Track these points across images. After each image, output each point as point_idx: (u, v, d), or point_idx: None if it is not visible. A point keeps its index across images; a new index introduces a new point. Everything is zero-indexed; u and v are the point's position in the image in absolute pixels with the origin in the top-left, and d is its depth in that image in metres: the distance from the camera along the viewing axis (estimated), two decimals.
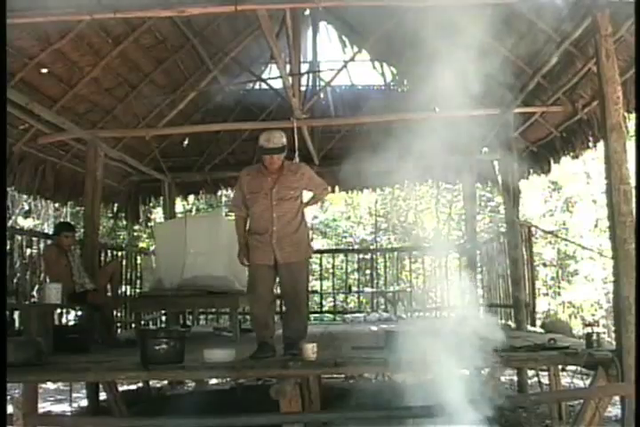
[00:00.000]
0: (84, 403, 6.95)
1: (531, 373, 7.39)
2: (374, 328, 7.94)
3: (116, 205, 10.63)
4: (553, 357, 4.67)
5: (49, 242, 7.26)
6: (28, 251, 7.49)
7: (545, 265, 13.37)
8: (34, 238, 7.61)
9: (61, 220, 12.72)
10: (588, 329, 5.10)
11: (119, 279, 7.89)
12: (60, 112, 7.17)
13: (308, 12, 8.70)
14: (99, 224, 8.22)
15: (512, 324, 7.65)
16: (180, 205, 14.42)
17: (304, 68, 8.65)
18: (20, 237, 7.31)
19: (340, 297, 13.69)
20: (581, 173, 13.22)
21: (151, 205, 12.09)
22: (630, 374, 4.21)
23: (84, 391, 6.93)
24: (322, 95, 9.54)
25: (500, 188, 8.98)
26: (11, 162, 7.38)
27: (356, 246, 16.72)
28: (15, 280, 7.21)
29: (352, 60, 9.02)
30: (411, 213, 17.68)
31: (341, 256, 13.05)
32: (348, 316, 10.08)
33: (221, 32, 8.45)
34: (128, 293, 9.43)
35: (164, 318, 9.80)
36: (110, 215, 11.28)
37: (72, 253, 6.85)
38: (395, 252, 12.09)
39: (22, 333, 5.92)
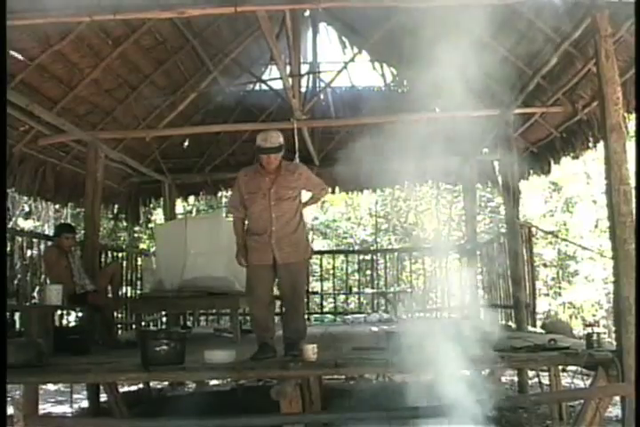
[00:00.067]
0: (85, 404, 6.96)
1: (531, 373, 7.38)
2: (375, 329, 7.93)
3: (116, 206, 10.62)
4: (553, 357, 4.67)
5: (49, 243, 7.25)
6: (29, 252, 7.49)
7: (545, 265, 13.37)
8: (34, 240, 7.60)
9: (62, 221, 12.71)
10: (589, 330, 5.10)
11: (119, 281, 7.87)
12: (61, 114, 7.18)
13: (307, 13, 8.71)
14: (99, 225, 8.22)
15: (512, 324, 7.64)
16: (180, 207, 14.42)
17: (304, 69, 8.65)
18: (20, 239, 7.30)
19: (341, 298, 13.67)
20: (581, 174, 13.22)
21: (151, 206, 12.09)
22: (630, 374, 4.22)
23: (85, 393, 6.93)
24: (322, 96, 9.56)
25: (500, 188, 8.98)
26: (11, 163, 7.39)
27: (356, 247, 16.72)
28: (16, 282, 7.21)
29: (352, 60, 9.03)
30: (411, 213, 17.68)
31: (342, 257, 13.04)
32: (349, 317, 10.07)
33: (221, 33, 8.46)
34: (128, 294, 9.43)
35: (164, 319, 9.80)
36: (111, 217, 11.28)
37: (72, 254, 6.86)
38: (395, 252, 12.09)
39: (23, 334, 5.92)
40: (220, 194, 11.67)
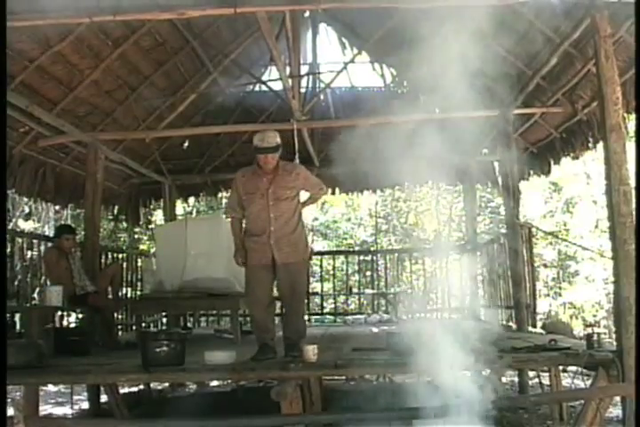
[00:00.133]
0: (85, 405, 6.95)
1: (532, 374, 7.38)
2: (375, 330, 7.94)
3: (116, 207, 10.62)
4: (553, 358, 4.67)
5: (49, 245, 7.25)
6: (29, 253, 7.49)
7: (545, 266, 13.37)
8: (34, 241, 7.60)
9: (62, 222, 12.70)
10: (589, 330, 5.10)
11: (120, 282, 7.89)
12: (61, 115, 7.18)
13: (307, 14, 8.71)
14: (99, 227, 8.22)
15: (513, 325, 7.64)
16: (180, 208, 14.43)
17: (304, 69, 8.64)
18: (20, 240, 7.30)
19: (341, 299, 13.67)
20: (581, 174, 13.22)
21: (151, 207, 12.08)
22: (631, 374, 4.22)
23: (85, 394, 6.93)
24: (322, 97, 9.55)
25: (500, 189, 8.98)
26: (11, 165, 7.39)
27: (356, 248, 16.71)
28: (16, 283, 7.21)
29: (352, 61, 9.05)
30: (411, 214, 17.68)
31: (342, 258, 13.02)
32: (349, 317, 10.07)
33: (221, 34, 8.46)
34: (129, 295, 9.42)
35: (164, 320, 9.80)
36: (111, 218, 11.28)
37: (73, 255, 6.86)
38: (395, 253, 12.09)
39: (23, 335, 5.93)
40: (220, 195, 11.67)
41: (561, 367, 5.94)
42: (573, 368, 6.49)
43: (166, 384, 8.29)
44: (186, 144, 10.50)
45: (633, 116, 6.20)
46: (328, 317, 11.37)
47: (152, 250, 11.68)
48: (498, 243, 8.95)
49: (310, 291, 11.27)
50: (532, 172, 9.34)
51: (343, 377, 7.65)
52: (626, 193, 4.50)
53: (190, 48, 8.18)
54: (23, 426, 4.27)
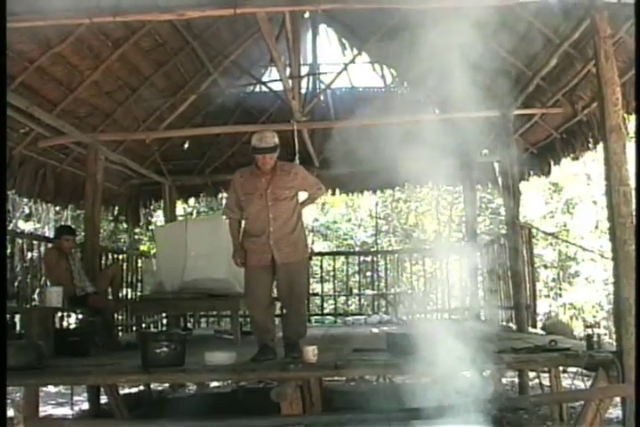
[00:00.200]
0: (85, 406, 6.95)
1: (532, 374, 7.38)
2: (375, 330, 7.94)
3: (116, 208, 10.62)
4: (553, 358, 4.67)
5: (49, 245, 7.26)
6: (29, 254, 7.49)
7: (546, 267, 13.35)
8: (34, 242, 7.61)
9: (62, 223, 12.68)
10: (589, 331, 5.09)
11: (120, 282, 7.89)
12: (61, 116, 7.19)
13: (307, 15, 8.72)
14: (99, 227, 8.23)
15: (513, 325, 7.64)
16: (180, 208, 14.42)
17: (304, 70, 8.65)
18: (20, 241, 7.31)
19: (341, 299, 13.67)
20: (582, 175, 13.22)
21: (152, 208, 12.09)
22: (631, 375, 4.21)
23: (85, 395, 6.93)
24: (322, 98, 9.55)
25: (500, 189, 8.98)
26: (11, 165, 7.40)
27: (356, 249, 16.71)
28: (16, 284, 7.22)
29: (352, 62, 9.05)
30: (411, 215, 17.68)
31: (342, 258, 13.02)
32: (349, 318, 10.07)
33: (221, 35, 8.47)
34: (129, 296, 9.43)
35: (164, 320, 9.80)
36: (111, 218, 11.28)
37: (73, 256, 6.87)
38: (395, 254, 12.08)
39: (23, 336, 5.92)
40: (220, 196, 11.65)
41: (561, 368, 5.93)
42: (573, 369, 6.50)
43: (166, 385, 8.29)
44: (186, 145, 10.50)
45: (633, 117, 6.21)
46: (328, 317, 11.38)
47: (152, 251, 11.68)
48: (498, 243, 8.95)
49: (310, 292, 11.27)
50: (532, 172, 9.34)
51: (343, 378, 7.65)
52: (626, 194, 4.50)
53: (190, 49, 8.18)
54: None
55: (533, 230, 8.47)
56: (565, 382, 6.32)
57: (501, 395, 6.50)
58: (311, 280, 12.33)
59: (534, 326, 7.40)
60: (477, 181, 10.18)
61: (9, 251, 6.73)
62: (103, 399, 6.42)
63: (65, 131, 7.16)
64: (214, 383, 8.33)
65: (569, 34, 5.82)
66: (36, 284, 7.47)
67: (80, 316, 8.06)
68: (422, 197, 16.86)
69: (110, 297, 7.17)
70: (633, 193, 4.52)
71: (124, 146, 8.86)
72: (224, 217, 5.28)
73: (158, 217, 13.76)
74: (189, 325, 9.55)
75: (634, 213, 4.46)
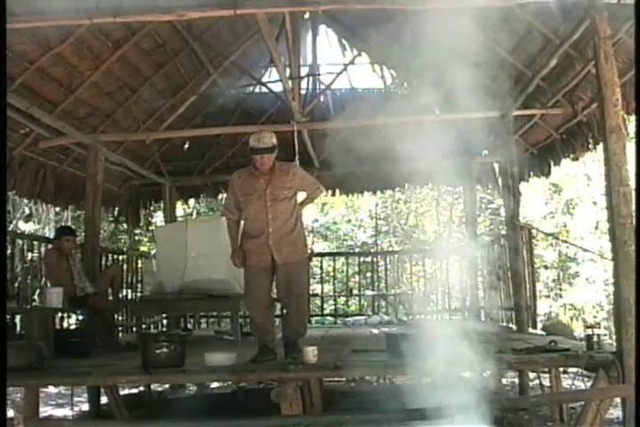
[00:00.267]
0: (86, 407, 6.95)
1: (532, 375, 7.38)
2: (375, 331, 7.94)
3: (116, 208, 10.63)
4: (554, 359, 4.67)
5: (50, 246, 7.26)
6: (29, 255, 7.50)
7: (546, 267, 13.37)
8: (35, 242, 7.61)
9: (62, 224, 12.69)
10: (589, 331, 5.09)
11: (120, 283, 7.89)
12: (61, 116, 7.19)
13: (307, 16, 8.71)
14: (99, 228, 8.23)
15: (513, 326, 7.64)
16: (180, 209, 14.43)
17: (304, 71, 8.66)
18: (20, 242, 7.31)
19: (341, 300, 13.67)
20: (582, 176, 13.22)
21: (152, 208, 12.11)
22: (631, 375, 4.21)
23: (86, 395, 6.93)
24: (322, 98, 9.56)
25: (500, 190, 8.98)
26: (11, 166, 7.40)
27: (356, 249, 16.70)
28: (16, 284, 7.22)
29: (352, 63, 9.05)
30: (411, 215, 17.68)
31: (342, 259, 13.03)
32: (349, 319, 10.07)
33: (221, 36, 8.47)
34: (129, 296, 9.43)
35: (165, 321, 9.80)
36: (111, 219, 11.29)
37: (73, 257, 6.86)
38: (395, 255, 12.08)
39: (23, 337, 5.93)
40: (220, 196, 11.65)
41: (561, 369, 5.93)
42: (574, 369, 6.49)
43: (166, 386, 8.29)
44: (186, 146, 10.50)
45: (633, 118, 6.21)
46: (328, 318, 11.36)
47: (152, 251, 11.68)
48: (498, 244, 8.96)
49: (311, 292, 11.26)
50: (532, 173, 9.34)
51: (343, 378, 7.65)
52: (626, 194, 4.50)
53: (190, 50, 8.18)
54: None
55: (533, 231, 8.47)
56: (565, 382, 6.32)
57: (502, 395, 6.51)
58: (311, 281, 12.33)
59: (534, 327, 7.40)
60: (477, 182, 10.18)
61: (9, 251, 6.73)
62: (103, 400, 6.42)
63: (65, 131, 7.16)
64: (214, 384, 8.33)
65: (569, 34, 5.82)
66: (36, 284, 7.47)
67: (80, 316, 8.07)
68: (422, 197, 16.86)
69: (110, 298, 7.16)
70: (633, 194, 4.52)
71: (124, 147, 8.87)
72: (223, 218, 5.27)
73: (158, 218, 13.79)
74: (189, 325, 9.55)
75: (634, 214, 4.46)
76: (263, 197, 4.91)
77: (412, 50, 7.40)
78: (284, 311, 5.28)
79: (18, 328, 6.62)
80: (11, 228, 12.03)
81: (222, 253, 6.84)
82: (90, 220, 7.56)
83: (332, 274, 12.17)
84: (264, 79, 9.54)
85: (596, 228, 12.66)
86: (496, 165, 9.62)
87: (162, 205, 11.10)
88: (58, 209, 11.65)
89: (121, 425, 5.48)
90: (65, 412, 7.25)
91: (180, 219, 12.44)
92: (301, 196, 5.29)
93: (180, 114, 8.55)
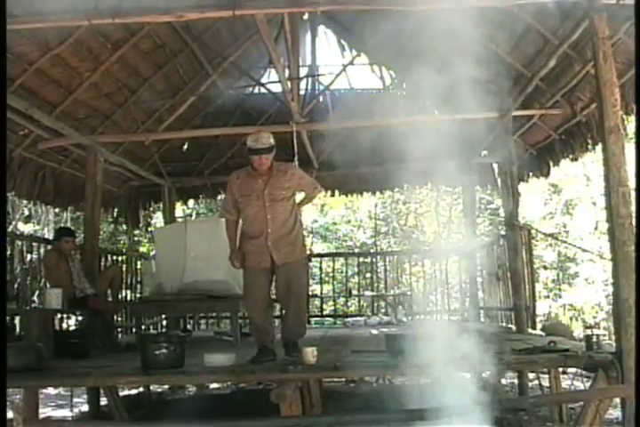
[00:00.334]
0: (85, 408, 6.95)
1: (531, 375, 7.38)
2: (375, 332, 7.93)
3: (116, 209, 10.62)
4: (553, 359, 4.67)
5: (49, 247, 7.26)
6: (29, 256, 7.50)
7: (545, 268, 13.37)
8: (34, 244, 7.61)
9: (61, 225, 12.69)
10: (589, 332, 5.09)
11: (119, 284, 7.88)
12: (60, 117, 7.18)
13: (306, 17, 8.72)
14: (99, 229, 8.23)
15: (512, 327, 7.64)
16: (179, 210, 14.43)
17: (303, 72, 8.66)
18: (20, 243, 7.31)
19: (341, 301, 13.68)
20: (581, 176, 13.23)
21: (151, 209, 12.10)
22: (630, 376, 4.21)
23: (85, 396, 6.93)
24: (321, 99, 9.56)
25: (499, 190, 8.99)
26: (11, 167, 7.40)
27: (356, 250, 16.71)
28: (16, 285, 7.22)
29: (351, 63, 9.06)
30: (411, 216, 17.68)
31: (342, 260, 13.04)
32: (349, 319, 10.07)
33: (220, 37, 8.47)
34: (128, 297, 9.42)
35: (164, 322, 9.80)
36: (110, 220, 11.29)
37: (72, 258, 6.86)
38: (395, 255, 12.09)
39: (23, 338, 5.92)
40: (219, 197, 11.64)
41: (560, 369, 5.93)
42: (573, 370, 6.50)
43: (166, 387, 8.29)
44: (185, 146, 10.50)
45: (632, 118, 6.21)
46: (328, 319, 11.37)
47: (152, 252, 11.67)
48: (497, 244, 8.96)
49: (310, 293, 11.27)
50: (531, 173, 9.35)
51: (343, 379, 7.65)
52: (625, 195, 4.50)
53: (189, 50, 8.19)
54: None
55: (533, 231, 8.47)
56: (565, 382, 6.32)
57: (501, 396, 6.51)
58: (311, 281, 12.34)
59: (534, 327, 7.41)
60: (477, 182, 10.18)
61: (9, 253, 6.73)
62: (103, 401, 6.42)
63: (64, 133, 7.16)
64: (214, 385, 8.33)
65: (568, 35, 5.83)
66: (35, 285, 7.47)
67: (80, 317, 8.06)
68: (421, 198, 16.86)
69: (110, 299, 7.16)
70: (632, 194, 4.52)
71: (124, 148, 8.87)
72: (222, 219, 5.26)
73: (158, 219, 13.78)
74: (189, 326, 9.55)
75: (633, 214, 4.46)
76: (262, 198, 4.90)
77: (410, 50, 7.43)
78: (284, 312, 5.28)
79: (17, 329, 6.61)
80: (10, 229, 12.02)
81: (222, 254, 6.82)
82: (89, 221, 7.55)
83: (331, 275, 12.18)
84: (263, 80, 9.54)
85: (596, 228, 12.66)
86: (495, 166, 9.62)
87: (161, 206, 11.10)
88: (57, 210, 11.62)
89: (120, 426, 5.48)
90: (64, 413, 7.24)
91: (179, 220, 12.44)
92: (300, 196, 5.29)
93: (180, 115, 8.55)
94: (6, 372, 3.45)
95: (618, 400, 4.59)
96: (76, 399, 7.31)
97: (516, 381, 7.43)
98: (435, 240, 16.39)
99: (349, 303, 13.74)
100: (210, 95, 9.18)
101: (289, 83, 6.80)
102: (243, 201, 4.97)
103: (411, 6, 4.77)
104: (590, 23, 4.79)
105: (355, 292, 12.69)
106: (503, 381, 7.72)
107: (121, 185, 10.18)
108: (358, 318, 10.01)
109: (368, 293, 11.47)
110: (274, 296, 5.27)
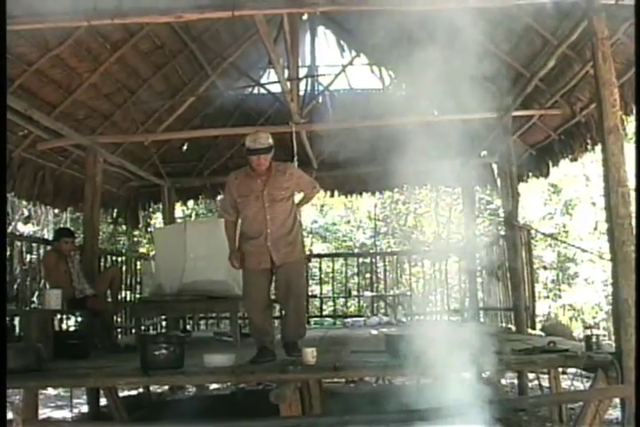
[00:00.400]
0: (85, 409, 6.94)
1: (531, 376, 7.38)
2: (374, 332, 7.93)
3: (115, 210, 10.62)
4: (553, 359, 4.67)
5: (49, 248, 7.26)
6: (28, 257, 7.50)
7: (545, 268, 13.37)
8: (34, 244, 7.62)
9: (61, 225, 12.70)
10: (588, 332, 5.09)
11: (119, 285, 7.88)
12: (59, 118, 7.19)
13: (305, 17, 8.72)
14: (98, 230, 8.22)
15: (512, 327, 7.64)
16: (179, 211, 14.42)
17: (302, 72, 8.66)
18: (19, 243, 7.32)
19: (340, 301, 13.68)
20: (580, 176, 13.23)
21: (151, 210, 12.11)
22: (630, 376, 4.21)
23: (85, 397, 6.92)
24: (320, 100, 9.56)
25: (499, 191, 8.99)
26: (10, 168, 7.39)
27: (355, 250, 16.72)
28: (15, 286, 7.22)
29: (350, 64, 9.06)
30: (410, 216, 17.69)
31: (341, 260, 13.05)
32: (348, 320, 10.07)
33: (219, 37, 8.47)
34: (128, 298, 9.43)
35: (164, 323, 9.80)
36: (110, 221, 11.28)
37: (72, 258, 6.85)
38: (394, 256, 12.09)
39: (22, 339, 5.93)
40: (218, 198, 11.65)
41: (560, 369, 5.93)
42: (573, 370, 6.50)
43: (166, 387, 8.28)
44: (185, 147, 10.51)
45: (631, 118, 6.22)
46: (327, 319, 11.38)
47: (151, 253, 11.67)
48: (497, 245, 8.96)
49: (309, 293, 11.27)
50: (530, 173, 9.34)
51: (343, 380, 7.65)
52: (624, 195, 4.50)
53: (189, 51, 8.19)
54: None
55: (532, 231, 8.47)
56: (565, 383, 6.32)
57: (501, 396, 6.50)
58: (310, 282, 12.34)
59: (533, 328, 7.41)
60: (476, 183, 10.18)
61: (8, 253, 6.73)
62: (102, 402, 6.41)
63: (64, 133, 7.16)
64: (213, 385, 8.33)
65: (567, 35, 5.82)
66: (35, 286, 7.47)
67: (79, 318, 8.06)
68: (421, 198, 16.87)
69: (109, 299, 7.16)
70: (631, 194, 4.52)
71: (123, 148, 8.87)
72: (222, 219, 5.26)
73: (157, 219, 13.78)
74: (188, 327, 9.55)
75: (632, 215, 4.46)
76: (261, 198, 4.90)
77: (410, 50, 7.42)
78: (283, 312, 5.28)
79: (17, 330, 6.62)
80: (10, 229, 12.01)
81: (221, 255, 6.81)
82: (89, 221, 7.55)
83: (331, 275, 12.18)
84: (262, 80, 9.54)
85: (595, 228, 12.66)
86: (495, 166, 9.62)
87: (161, 207, 11.10)
88: (57, 211, 11.62)
89: None
90: (64, 414, 7.23)
91: (178, 220, 12.44)
92: (298, 196, 5.29)
93: (179, 115, 8.55)
94: (6, 372, 3.45)
95: (617, 400, 4.59)
96: (75, 400, 7.30)
97: (515, 381, 7.43)
98: (434, 240, 16.39)
99: (349, 304, 13.74)
100: (209, 96, 9.19)
101: (288, 83, 6.80)
102: (242, 201, 4.96)
103: (410, 6, 4.78)
104: (589, 23, 4.79)
105: (354, 292, 12.69)
106: (503, 381, 7.72)
107: (120, 186, 10.18)
108: (358, 319, 10.00)
109: (368, 293, 11.48)
110: (273, 297, 5.27)
